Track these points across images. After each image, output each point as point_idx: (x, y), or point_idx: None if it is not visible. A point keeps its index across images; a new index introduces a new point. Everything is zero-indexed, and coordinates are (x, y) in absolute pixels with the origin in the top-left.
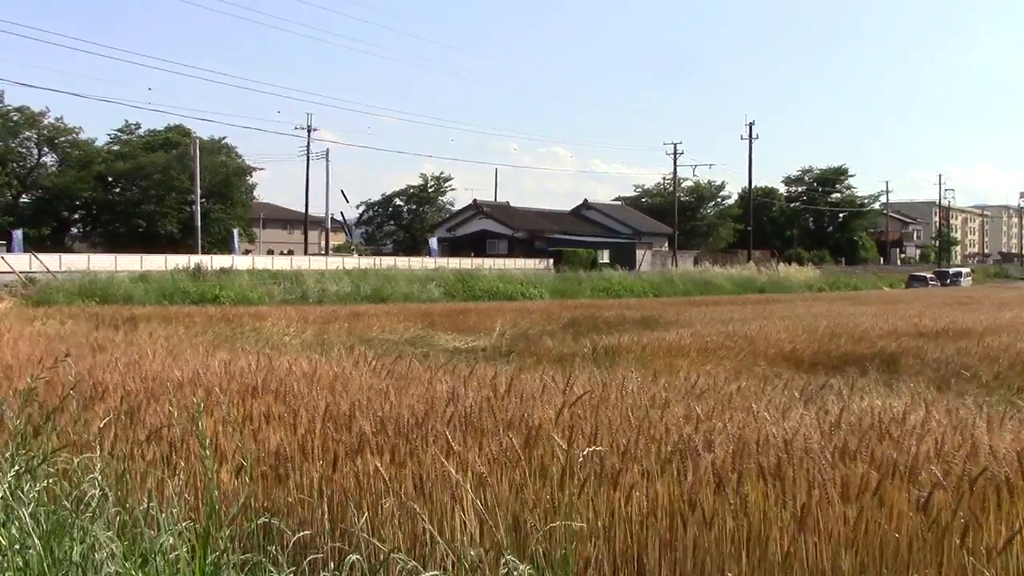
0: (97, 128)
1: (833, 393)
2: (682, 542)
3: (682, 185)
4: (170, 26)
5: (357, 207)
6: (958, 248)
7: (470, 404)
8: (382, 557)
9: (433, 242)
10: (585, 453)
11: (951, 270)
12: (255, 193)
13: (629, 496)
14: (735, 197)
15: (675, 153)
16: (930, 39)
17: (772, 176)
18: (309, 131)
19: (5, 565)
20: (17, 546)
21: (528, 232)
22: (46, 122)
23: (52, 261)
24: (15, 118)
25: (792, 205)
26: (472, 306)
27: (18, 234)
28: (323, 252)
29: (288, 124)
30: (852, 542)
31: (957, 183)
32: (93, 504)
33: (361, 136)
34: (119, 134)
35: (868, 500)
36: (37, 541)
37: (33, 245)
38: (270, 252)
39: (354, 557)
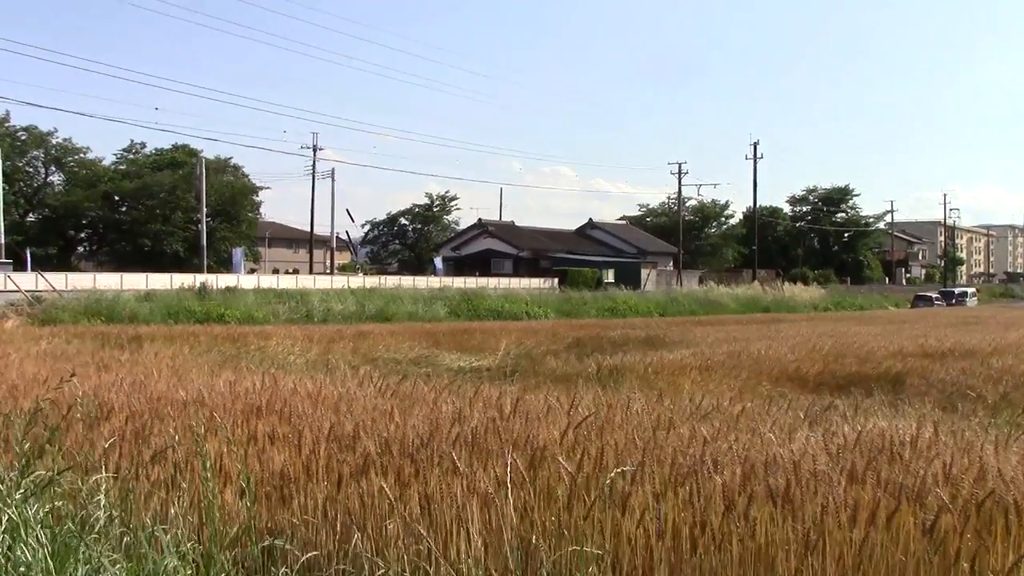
0: (104, 148)
1: (838, 414)
2: (690, 565)
3: (687, 204)
4: (176, 46)
5: (362, 226)
6: (963, 268)
7: (475, 425)
8: None
9: (438, 261)
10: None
11: (956, 290)
12: (261, 212)
13: (641, 519)
14: (740, 216)
15: (680, 172)
16: (937, 59)
17: (777, 195)
18: (315, 150)
19: None
20: (24, 569)
21: (533, 251)
22: (53, 142)
23: (58, 280)
24: (22, 137)
25: (797, 225)
26: (477, 325)
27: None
28: (328, 271)
29: (294, 143)
30: (859, 565)
31: (963, 203)
32: (98, 526)
33: (367, 156)
34: (125, 154)
35: (876, 523)
36: (50, 563)
37: (39, 264)
38: (275, 271)
39: None
